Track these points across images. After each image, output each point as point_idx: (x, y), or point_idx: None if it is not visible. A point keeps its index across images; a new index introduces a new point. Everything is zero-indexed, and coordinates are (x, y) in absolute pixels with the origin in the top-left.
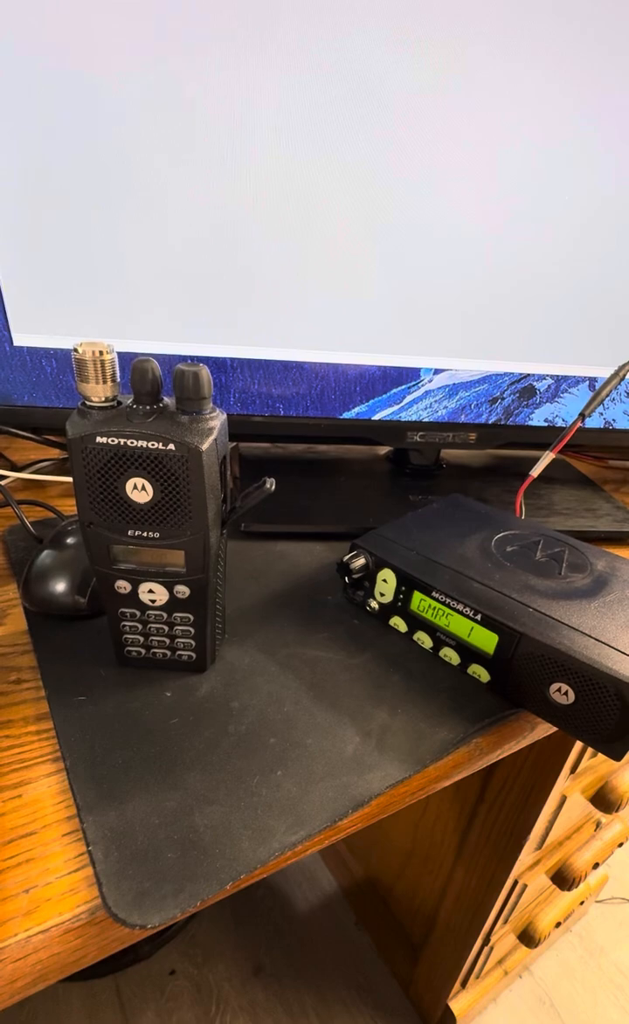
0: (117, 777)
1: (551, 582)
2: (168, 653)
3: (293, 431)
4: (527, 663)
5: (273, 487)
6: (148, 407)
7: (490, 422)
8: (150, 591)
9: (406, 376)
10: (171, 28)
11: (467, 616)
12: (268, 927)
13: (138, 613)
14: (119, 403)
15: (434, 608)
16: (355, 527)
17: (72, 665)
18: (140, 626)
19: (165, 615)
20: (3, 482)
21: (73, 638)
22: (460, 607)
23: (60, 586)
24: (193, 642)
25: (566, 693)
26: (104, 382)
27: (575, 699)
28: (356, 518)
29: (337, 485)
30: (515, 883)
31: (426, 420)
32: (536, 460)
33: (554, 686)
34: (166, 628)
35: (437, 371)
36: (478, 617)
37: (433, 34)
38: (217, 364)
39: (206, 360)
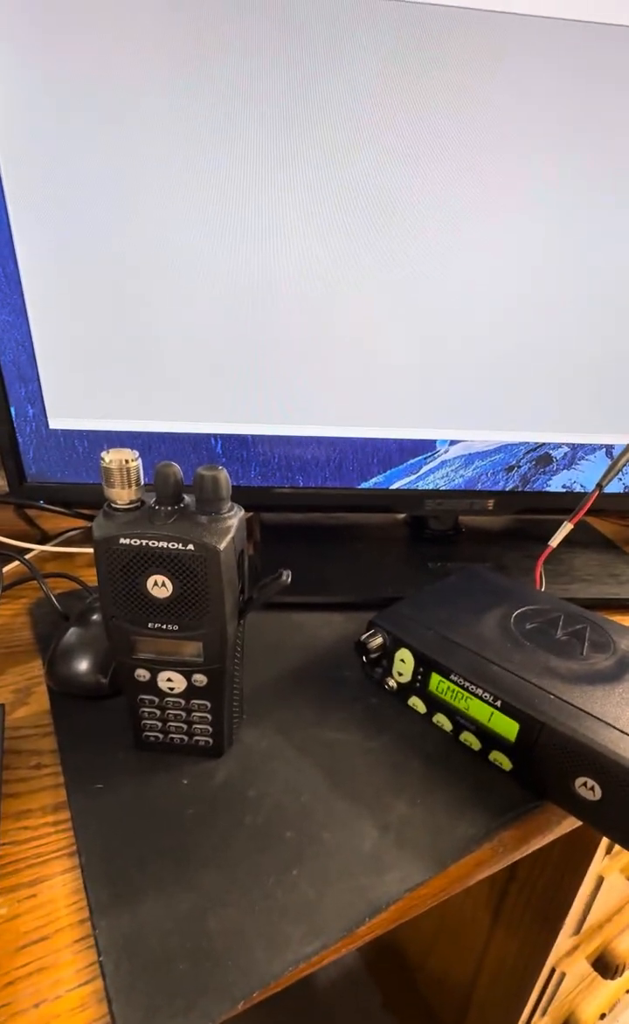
0: (131, 875)
1: (573, 664)
2: (186, 738)
3: (312, 501)
4: (550, 754)
5: (289, 579)
6: (170, 508)
7: (507, 489)
8: (169, 679)
9: (422, 447)
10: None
11: (486, 702)
12: (288, 1009)
13: (157, 700)
14: (143, 503)
15: (453, 691)
16: (373, 597)
17: (92, 749)
18: (158, 712)
19: (183, 702)
20: (29, 555)
21: (94, 719)
22: (479, 692)
23: (83, 665)
24: (210, 728)
25: (592, 788)
26: (129, 487)
27: (602, 795)
28: (374, 588)
29: (355, 552)
30: (553, 971)
31: (443, 488)
32: (556, 523)
33: (580, 780)
34: (184, 714)
35: (453, 442)
36: (498, 703)
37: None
38: (239, 440)
39: (229, 437)
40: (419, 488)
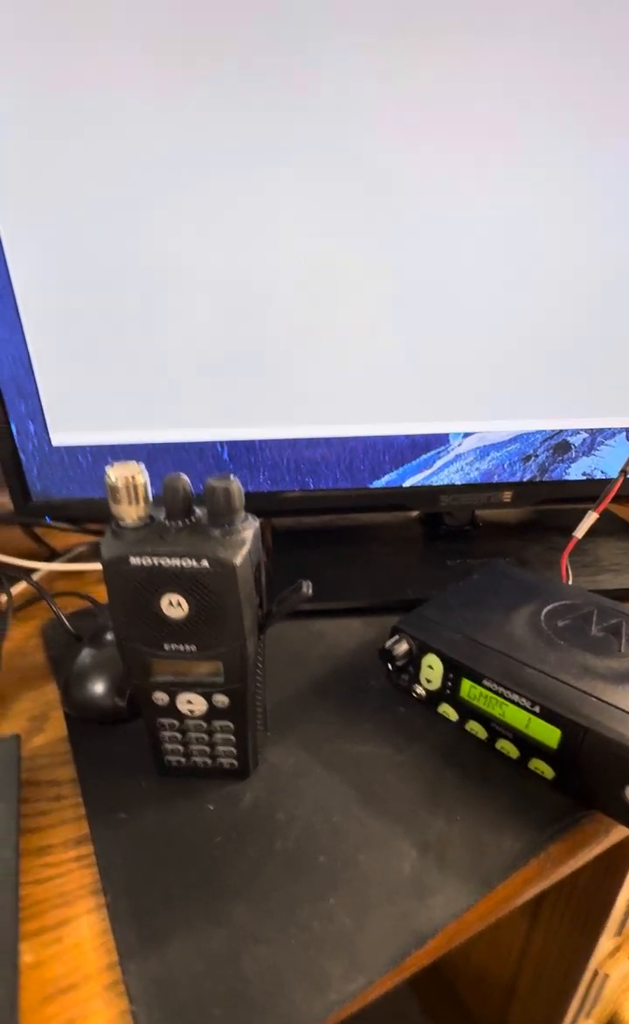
0: (159, 911)
1: (613, 662)
2: (209, 761)
3: (325, 504)
4: (596, 761)
5: (309, 590)
6: (181, 522)
7: (525, 480)
8: (189, 701)
9: (435, 442)
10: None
11: (523, 707)
12: None
13: (177, 723)
14: (152, 519)
15: (486, 697)
16: (393, 600)
17: (112, 776)
18: (179, 735)
19: (205, 724)
20: (38, 574)
21: (113, 744)
22: (515, 697)
23: (99, 689)
24: (235, 749)
25: None
26: (137, 503)
27: None
28: (393, 590)
29: (371, 553)
30: (596, 972)
31: (458, 483)
32: (576, 512)
33: None
34: (206, 737)
35: (466, 434)
36: (536, 709)
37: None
38: (246, 446)
39: (235, 443)
40: (434, 484)
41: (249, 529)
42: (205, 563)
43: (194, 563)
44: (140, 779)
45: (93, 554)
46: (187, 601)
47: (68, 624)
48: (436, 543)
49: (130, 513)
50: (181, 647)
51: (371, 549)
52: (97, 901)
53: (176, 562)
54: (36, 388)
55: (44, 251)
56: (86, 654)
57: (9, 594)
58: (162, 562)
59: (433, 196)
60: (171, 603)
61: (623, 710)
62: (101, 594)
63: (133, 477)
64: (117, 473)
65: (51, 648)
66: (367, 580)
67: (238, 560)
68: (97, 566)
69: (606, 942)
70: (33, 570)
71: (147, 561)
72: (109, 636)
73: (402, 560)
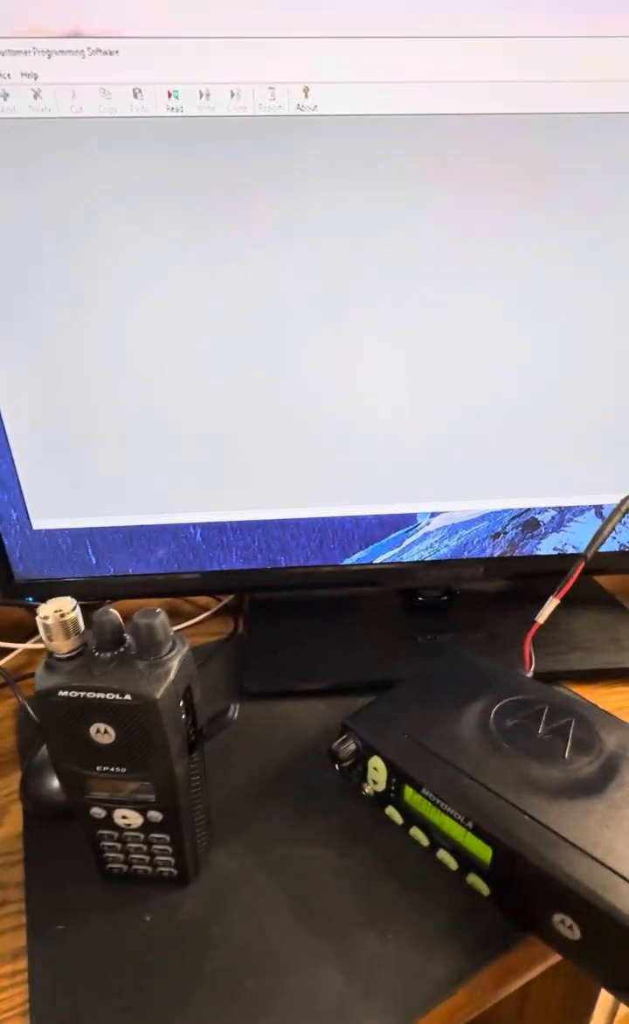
0: None
1: (554, 771)
2: (149, 869)
3: (297, 580)
4: (526, 884)
5: (235, 715)
6: (110, 653)
7: (495, 555)
8: (124, 816)
9: (403, 521)
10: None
11: (458, 822)
12: None
13: (115, 834)
14: (85, 646)
15: (426, 805)
16: (360, 679)
17: (58, 880)
18: (119, 845)
19: (142, 835)
20: (12, 655)
21: (64, 842)
22: (450, 811)
23: (53, 785)
24: (173, 859)
25: (571, 927)
26: (68, 638)
27: (581, 935)
28: (361, 669)
29: (343, 627)
30: None
31: (428, 559)
32: (554, 581)
33: (557, 916)
34: (144, 847)
35: (434, 514)
36: (470, 824)
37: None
38: (218, 528)
39: (208, 525)
40: (404, 561)
41: (175, 659)
42: (128, 696)
43: (118, 696)
44: (85, 883)
45: None
46: (113, 729)
47: (31, 712)
48: (410, 616)
49: (62, 647)
50: (112, 769)
51: (344, 621)
52: None
53: (101, 696)
54: (17, 481)
55: (26, 363)
56: (45, 748)
57: None
58: (88, 695)
59: (402, 288)
60: (99, 730)
61: (555, 832)
62: None
63: (63, 614)
64: (50, 612)
65: (23, 732)
66: (337, 657)
67: (159, 694)
68: None
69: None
70: (6, 650)
71: (74, 694)
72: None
73: (375, 635)
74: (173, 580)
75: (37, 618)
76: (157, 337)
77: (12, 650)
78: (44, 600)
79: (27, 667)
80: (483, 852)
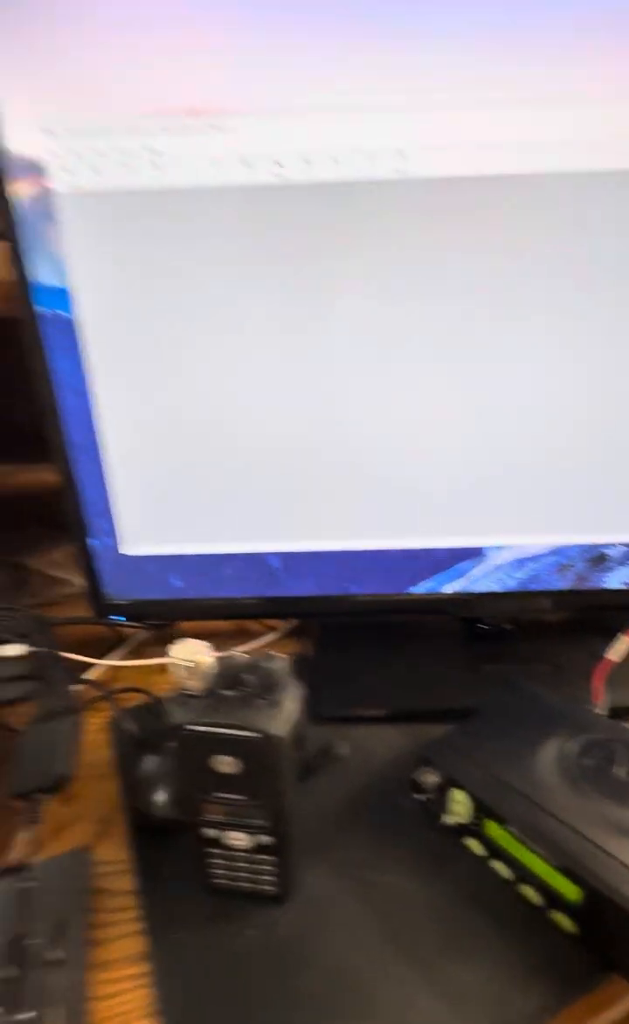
0: None
1: None
2: (252, 886)
3: (366, 607)
4: (616, 926)
5: (347, 752)
6: (234, 692)
7: (564, 589)
8: (235, 838)
9: (471, 553)
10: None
11: (546, 861)
12: None
13: (225, 853)
14: (213, 687)
15: (509, 840)
16: (425, 708)
17: (168, 890)
18: (227, 863)
19: (250, 856)
20: (89, 671)
21: (168, 855)
22: (539, 849)
23: (160, 798)
24: (275, 879)
25: None
26: (199, 679)
27: None
28: (427, 697)
29: (406, 653)
30: None
31: (496, 591)
32: (620, 612)
33: None
34: (250, 866)
35: (503, 547)
36: (558, 864)
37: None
38: (295, 556)
39: (286, 554)
40: (472, 591)
41: (293, 700)
42: (254, 733)
43: (246, 733)
44: (191, 894)
45: (153, 645)
46: (236, 760)
47: (129, 725)
48: (473, 643)
49: (196, 686)
50: (231, 796)
51: (407, 647)
52: None
53: (229, 732)
54: (111, 510)
55: (130, 406)
56: (148, 761)
57: (68, 692)
58: (217, 731)
59: (462, 331)
60: (224, 762)
61: None
62: (160, 685)
63: (197, 657)
64: (186, 653)
65: (118, 744)
66: (402, 683)
67: (284, 732)
68: (154, 660)
69: None
70: (92, 665)
71: (204, 729)
72: (172, 744)
73: (437, 660)
74: (247, 604)
75: (173, 659)
76: (243, 384)
77: (94, 665)
78: (132, 619)
79: (112, 681)
80: (570, 891)
